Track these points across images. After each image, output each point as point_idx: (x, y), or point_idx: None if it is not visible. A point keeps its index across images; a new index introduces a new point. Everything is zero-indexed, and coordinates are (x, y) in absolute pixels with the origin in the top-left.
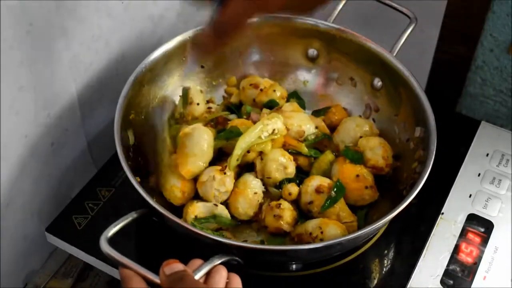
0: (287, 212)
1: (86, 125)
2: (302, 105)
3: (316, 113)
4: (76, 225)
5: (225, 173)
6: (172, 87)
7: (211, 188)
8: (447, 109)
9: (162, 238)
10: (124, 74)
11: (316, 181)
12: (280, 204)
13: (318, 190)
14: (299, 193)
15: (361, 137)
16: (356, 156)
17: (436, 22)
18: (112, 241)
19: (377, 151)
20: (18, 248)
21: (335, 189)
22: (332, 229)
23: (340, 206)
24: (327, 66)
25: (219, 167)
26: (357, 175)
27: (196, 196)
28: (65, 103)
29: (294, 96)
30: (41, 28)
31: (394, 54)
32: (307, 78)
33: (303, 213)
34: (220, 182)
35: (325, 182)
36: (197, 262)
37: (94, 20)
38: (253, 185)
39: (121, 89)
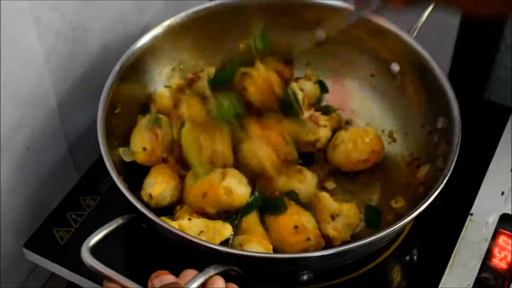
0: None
1: (66, 126)
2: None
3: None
4: (57, 239)
5: None
6: (162, 77)
7: None
8: (473, 96)
9: (152, 247)
10: (108, 66)
11: None
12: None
13: None
14: None
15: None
16: None
17: None
18: (96, 251)
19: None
20: None
21: None
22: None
23: None
24: (337, 49)
25: None
26: (296, 226)
27: None
28: (41, 102)
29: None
30: (10, 19)
31: (413, 36)
32: (316, 64)
33: None
34: None
35: None
36: (190, 273)
37: (70, 7)
38: None
39: (104, 83)
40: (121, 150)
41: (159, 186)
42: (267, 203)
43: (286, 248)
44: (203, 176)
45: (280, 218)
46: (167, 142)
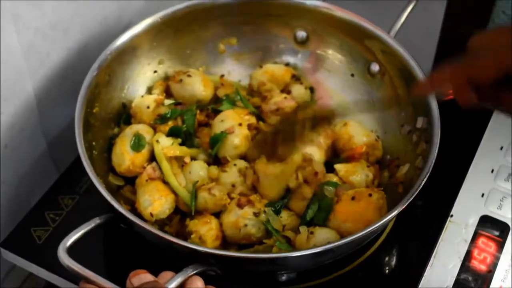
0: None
1: (44, 124)
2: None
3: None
4: (35, 239)
5: None
6: (140, 76)
7: None
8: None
9: (130, 247)
10: (87, 65)
11: None
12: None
13: None
14: None
15: None
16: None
17: None
18: (74, 251)
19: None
20: None
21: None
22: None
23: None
24: (317, 49)
25: None
26: (352, 198)
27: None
28: (19, 100)
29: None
30: None
31: (393, 36)
32: (296, 63)
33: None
34: None
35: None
36: (168, 274)
37: (50, 5)
38: None
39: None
40: (110, 176)
41: (158, 203)
42: (320, 208)
43: (368, 218)
44: (178, 189)
45: (338, 206)
46: (148, 151)
